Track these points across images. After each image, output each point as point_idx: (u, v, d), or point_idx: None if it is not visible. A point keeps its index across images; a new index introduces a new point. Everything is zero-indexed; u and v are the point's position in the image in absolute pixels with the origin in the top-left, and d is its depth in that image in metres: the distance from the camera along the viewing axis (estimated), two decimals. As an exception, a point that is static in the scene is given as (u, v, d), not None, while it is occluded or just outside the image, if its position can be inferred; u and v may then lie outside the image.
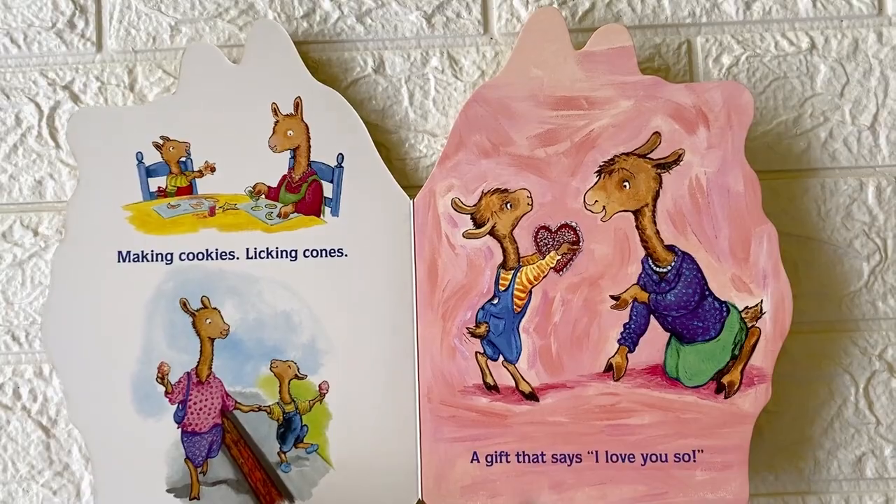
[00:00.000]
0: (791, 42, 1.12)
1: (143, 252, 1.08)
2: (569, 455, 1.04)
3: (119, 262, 1.08)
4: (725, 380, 1.04)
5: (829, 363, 1.10)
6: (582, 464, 1.04)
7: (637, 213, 1.05)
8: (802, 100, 1.12)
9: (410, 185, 1.09)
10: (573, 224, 1.05)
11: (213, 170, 1.09)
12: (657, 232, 1.05)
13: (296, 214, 1.08)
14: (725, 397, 1.04)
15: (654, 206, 1.05)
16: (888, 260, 1.10)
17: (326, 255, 1.08)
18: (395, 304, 1.07)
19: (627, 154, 1.06)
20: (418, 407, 1.06)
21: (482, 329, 1.05)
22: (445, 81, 1.13)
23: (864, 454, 1.09)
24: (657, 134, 1.06)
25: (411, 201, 1.07)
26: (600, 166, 1.05)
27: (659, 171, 1.05)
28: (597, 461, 1.04)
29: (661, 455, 1.04)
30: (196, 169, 1.09)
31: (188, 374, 1.07)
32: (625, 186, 1.05)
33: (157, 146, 1.09)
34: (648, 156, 1.06)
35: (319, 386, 1.07)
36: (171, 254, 1.08)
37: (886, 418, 1.09)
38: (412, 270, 1.07)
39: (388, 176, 1.08)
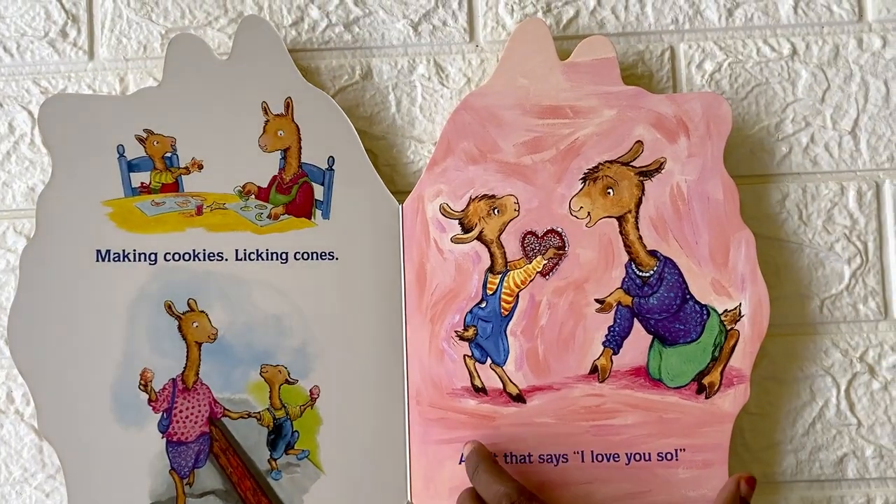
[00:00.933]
0: (773, 48, 1.13)
1: (124, 251, 1.05)
2: (555, 455, 1.06)
3: (97, 261, 1.05)
4: (706, 380, 1.06)
5: (811, 365, 1.11)
6: (568, 464, 1.05)
7: (620, 219, 1.07)
8: (784, 105, 1.13)
9: (398, 191, 1.10)
10: (559, 229, 1.07)
11: (200, 167, 1.07)
12: (640, 237, 1.07)
13: (286, 216, 1.07)
14: (706, 397, 1.06)
15: (637, 212, 1.07)
16: (869, 263, 1.11)
17: (317, 258, 1.07)
18: (385, 307, 1.07)
19: (611, 162, 1.08)
20: (407, 410, 1.06)
21: (470, 332, 1.06)
22: (432, 88, 1.14)
23: (846, 455, 1.10)
24: (639, 143, 1.08)
25: (400, 206, 1.08)
26: (585, 173, 1.08)
27: (641, 178, 1.08)
28: (582, 461, 1.05)
29: (644, 454, 1.06)
30: (182, 165, 1.07)
31: (173, 380, 1.05)
32: (609, 193, 1.08)
33: (141, 140, 1.07)
34: (631, 164, 1.08)
35: (311, 391, 1.06)
36: (156, 254, 1.06)
37: (867, 419, 1.10)
38: (401, 274, 1.07)
39: (377, 180, 1.08)
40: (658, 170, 1.08)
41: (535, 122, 1.08)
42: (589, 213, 1.08)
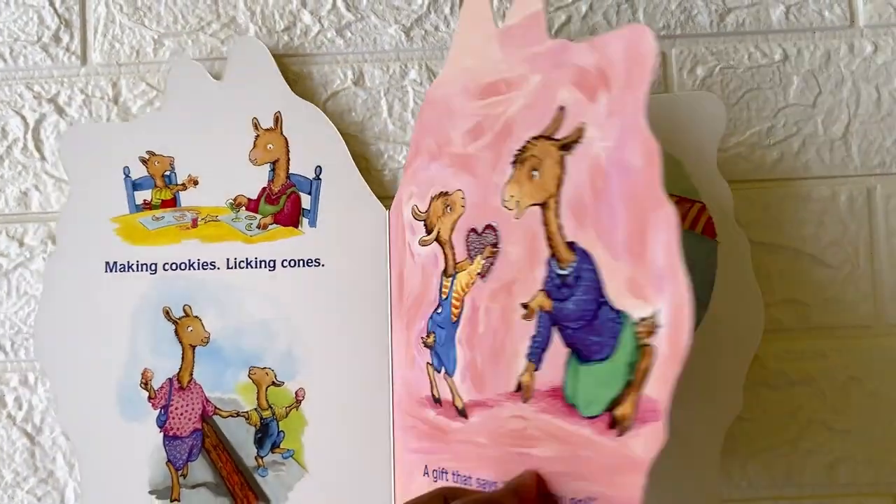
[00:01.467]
0: (764, 53, 1.10)
1: (129, 262, 1.09)
2: (488, 482, 0.85)
3: (106, 271, 1.08)
4: (618, 412, 0.72)
5: (802, 371, 1.08)
6: None
7: (543, 206, 0.80)
8: (775, 110, 1.10)
9: (389, 196, 1.08)
10: (494, 224, 0.86)
11: (195, 183, 1.10)
12: (560, 227, 0.78)
13: (274, 226, 1.08)
14: (619, 434, 0.72)
15: (559, 195, 0.78)
16: (860, 269, 1.08)
17: (304, 265, 1.08)
18: (371, 313, 1.06)
19: (536, 138, 0.82)
20: (392, 416, 1.04)
21: (430, 339, 0.98)
22: (423, 94, 1.11)
23: (837, 460, 1.08)
24: (562, 109, 0.79)
25: (387, 212, 1.07)
26: (514, 156, 0.84)
27: (563, 153, 0.79)
28: None
29: (559, 497, 0.77)
30: (180, 182, 1.10)
31: (170, 380, 1.07)
32: (534, 176, 0.81)
33: (143, 161, 1.09)
34: (554, 137, 0.80)
35: (296, 393, 1.07)
36: (156, 264, 1.08)
37: (859, 424, 1.08)
38: (387, 280, 1.06)
39: (365, 188, 1.08)
40: (578, 140, 0.77)
41: (477, 104, 0.90)
42: (518, 201, 0.83)
